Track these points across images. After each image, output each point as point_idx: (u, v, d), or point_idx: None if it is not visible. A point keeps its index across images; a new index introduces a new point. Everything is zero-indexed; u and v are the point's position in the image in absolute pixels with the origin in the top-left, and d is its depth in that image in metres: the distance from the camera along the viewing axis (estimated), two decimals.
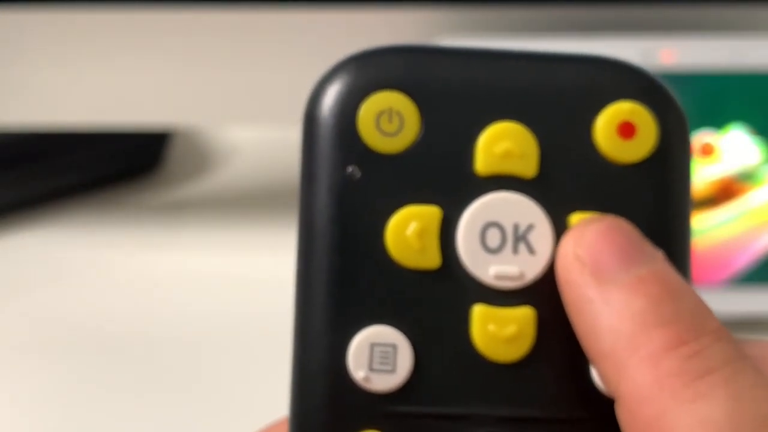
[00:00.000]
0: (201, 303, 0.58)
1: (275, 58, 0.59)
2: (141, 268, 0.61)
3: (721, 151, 0.55)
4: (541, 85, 0.27)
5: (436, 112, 0.26)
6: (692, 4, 0.56)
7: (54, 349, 0.56)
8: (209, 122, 0.68)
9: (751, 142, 0.55)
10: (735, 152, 0.55)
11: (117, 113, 0.61)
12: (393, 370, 0.26)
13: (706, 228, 0.55)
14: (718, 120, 0.55)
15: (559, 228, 0.26)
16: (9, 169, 0.65)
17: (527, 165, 0.26)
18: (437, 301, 0.26)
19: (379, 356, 0.26)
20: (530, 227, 0.26)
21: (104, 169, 0.67)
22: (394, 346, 0.26)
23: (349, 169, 0.26)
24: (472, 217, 0.26)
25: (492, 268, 0.26)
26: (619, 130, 0.26)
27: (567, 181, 0.26)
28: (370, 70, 0.26)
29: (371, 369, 0.26)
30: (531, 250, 0.26)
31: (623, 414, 0.24)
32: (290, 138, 0.68)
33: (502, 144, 0.26)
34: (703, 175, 0.54)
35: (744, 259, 0.55)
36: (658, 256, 0.25)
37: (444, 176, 0.26)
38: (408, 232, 0.26)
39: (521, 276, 0.26)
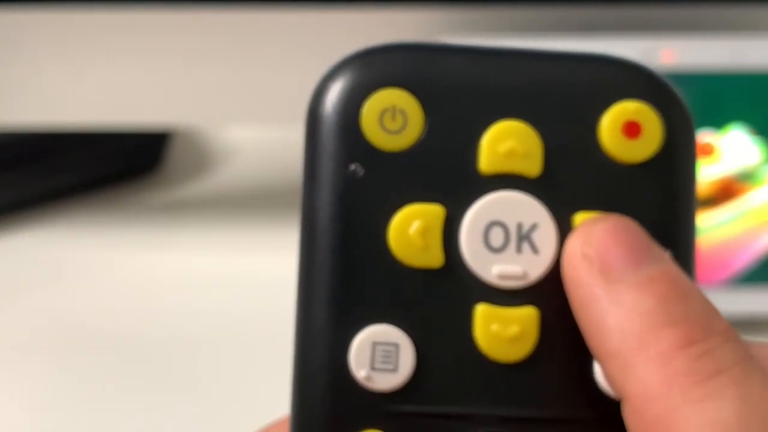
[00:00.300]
0: (201, 303, 0.58)
1: (275, 58, 0.59)
2: (141, 268, 0.61)
3: (721, 151, 0.55)
4: (545, 84, 0.26)
5: (439, 110, 0.26)
6: (692, 4, 0.56)
7: (54, 349, 0.56)
8: (209, 122, 0.68)
9: (751, 142, 0.55)
10: (735, 152, 0.55)
11: (117, 113, 0.61)
12: (395, 370, 0.26)
13: (706, 228, 0.55)
14: (718, 120, 0.55)
15: (564, 228, 0.26)
16: (9, 169, 0.65)
17: (531, 164, 0.26)
18: (440, 300, 0.26)
19: (381, 355, 0.26)
20: (534, 227, 0.26)
21: (104, 169, 0.67)
22: (396, 345, 0.26)
23: (352, 166, 0.26)
24: (475, 216, 0.26)
25: (495, 268, 0.26)
26: (624, 130, 0.26)
27: (571, 181, 0.26)
28: (374, 67, 0.26)
29: (373, 368, 0.26)
30: (535, 250, 0.26)
31: (630, 414, 0.24)
32: (290, 138, 0.68)
33: (506, 143, 0.26)
34: (703, 175, 0.54)
35: (744, 259, 0.55)
36: (665, 256, 0.25)
37: (447, 175, 0.26)
38: (411, 230, 0.26)
39: (524, 275, 0.26)
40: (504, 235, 0.26)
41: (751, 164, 0.55)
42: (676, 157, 0.27)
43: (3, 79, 0.60)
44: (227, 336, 0.56)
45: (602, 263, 0.25)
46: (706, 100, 0.54)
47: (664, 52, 0.54)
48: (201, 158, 0.70)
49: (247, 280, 0.59)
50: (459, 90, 0.26)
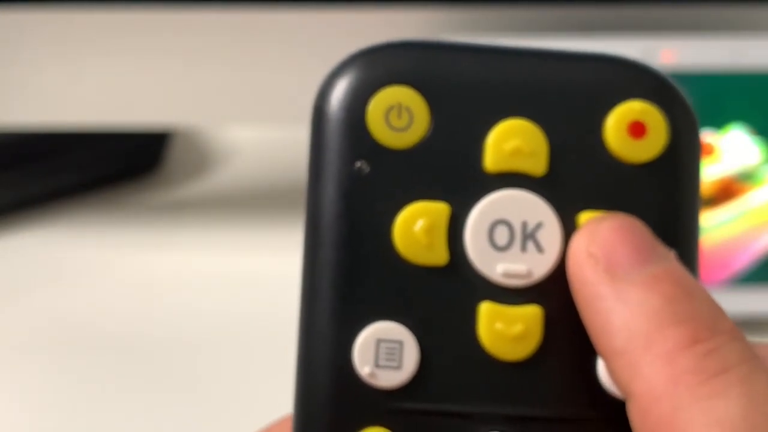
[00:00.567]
0: (201, 303, 0.58)
1: (275, 58, 0.59)
2: (141, 268, 0.61)
3: (721, 151, 0.55)
4: (551, 83, 0.26)
5: (445, 108, 0.26)
6: (692, 4, 0.57)
7: (54, 349, 0.56)
8: (209, 122, 0.68)
9: (751, 142, 0.55)
10: (735, 152, 0.55)
11: (117, 113, 0.61)
12: (399, 367, 0.26)
13: (707, 228, 0.55)
14: (718, 120, 0.55)
15: (568, 227, 0.26)
16: (9, 169, 0.65)
17: (537, 163, 0.26)
18: (444, 298, 0.26)
19: (385, 352, 0.26)
20: (539, 225, 0.26)
21: (104, 169, 0.67)
22: (400, 343, 0.26)
23: (358, 164, 0.26)
24: (480, 214, 0.26)
25: (500, 266, 0.26)
26: (629, 130, 0.26)
27: (576, 180, 0.26)
28: (380, 65, 0.26)
29: (377, 365, 0.26)
30: (539, 249, 0.26)
31: (635, 412, 0.24)
32: (290, 138, 0.68)
33: (511, 141, 0.26)
34: (703, 175, 0.54)
35: (744, 259, 0.55)
36: (670, 256, 0.25)
37: (453, 173, 0.26)
38: (416, 228, 0.26)
39: (529, 274, 0.26)
40: (509, 234, 0.26)
41: (751, 164, 0.55)
42: (681, 157, 0.27)
43: (3, 79, 0.60)
44: (227, 336, 0.56)
45: (608, 262, 0.25)
46: (706, 100, 0.54)
47: (664, 52, 0.54)
48: (201, 158, 0.70)
49: (247, 280, 0.59)
50: (465, 88, 0.26)
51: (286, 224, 0.62)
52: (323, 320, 0.26)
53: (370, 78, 0.26)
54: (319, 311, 0.26)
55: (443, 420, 0.26)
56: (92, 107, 0.61)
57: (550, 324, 0.26)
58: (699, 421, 0.23)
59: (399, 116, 0.26)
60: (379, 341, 0.26)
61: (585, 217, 0.26)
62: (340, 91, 0.26)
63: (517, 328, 0.26)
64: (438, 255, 0.26)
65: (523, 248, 0.26)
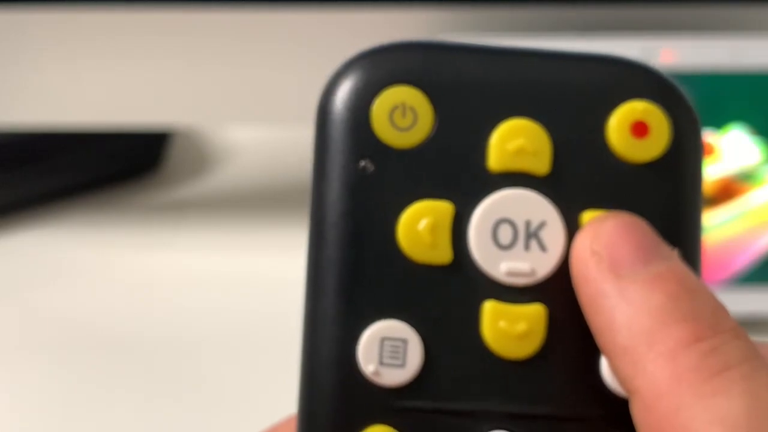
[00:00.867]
0: (201, 303, 0.58)
1: (275, 58, 0.59)
2: (141, 268, 0.61)
3: (721, 151, 0.55)
4: (554, 83, 0.27)
5: (449, 107, 0.26)
6: (692, 4, 0.57)
7: (54, 349, 0.56)
8: (209, 122, 0.68)
9: (751, 142, 0.55)
10: (735, 152, 0.55)
11: (117, 113, 0.61)
12: (403, 365, 0.26)
13: (707, 228, 0.55)
14: (718, 120, 0.55)
15: (571, 226, 0.26)
16: (9, 169, 0.65)
17: (540, 162, 0.26)
18: (448, 296, 0.26)
19: (389, 351, 0.26)
20: (542, 224, 0.26)
21: (104, 169, 0.67)
22: (404, 341, 0.26)
23: (362, 163, 0.26)
24: (484, 213, 0.26)
25: (503, 265, 0.26)
26: (632, 129, 0.26)
27: (579, 179, 0.26)
28: (385, 64, 0.26)
29: (381, 363, 0.26)
30: (543, 247, 0.26)
31: (638, 409, 0.24)
32: (290, 138, 0.68)
33: (515, 141, 0.26)
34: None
35: (744, 259, 0.55)
36: (673, 254, 0.25)
37: (457, 172, 0.26)
38: (420, 227, 0.26)
39: (532, 273, 0.26)
40: (512, 233, 0.26)
41: (751, 164, 0.55)
42: (684, 157, 0.27)
43: (3, 79, 0.60)
44: (227, 336, 0.56)
45: (611, 260, 0.25)
46: (706, 100, 0.54)
47: (664, 52, 0.54)
48: (201, 158, 0.70)
49: (247, 280, 0.59)
50: (469, 88, 0.26)
51: (286, 224, 0.62)
52: (327, 319, 0.26)
53: (374, 78, 0.26)
54: (323, 310, 0.26)
55: (447, 418, 0.26)
56: (92, 107, 0.61)
57: (553, 322, 0.26)
58: (701, 418, 0.23)
59: (403, 116, 0.26)
60: (383, 339, 0.26)
61: (588, 216, 0.26)
62: (344, 91, 0.26)
63: (521, 326, 0.26)
64: (442, 254, 0.26)
65: (527, 247, 0.26)
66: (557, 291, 0.26)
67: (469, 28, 0.57)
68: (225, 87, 0.60)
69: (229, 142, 0.71)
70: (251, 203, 0.66)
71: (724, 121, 0.55)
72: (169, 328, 0.57)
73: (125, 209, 0.65)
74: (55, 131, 0.63)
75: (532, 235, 0.26)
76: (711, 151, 0.55)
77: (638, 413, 0.24)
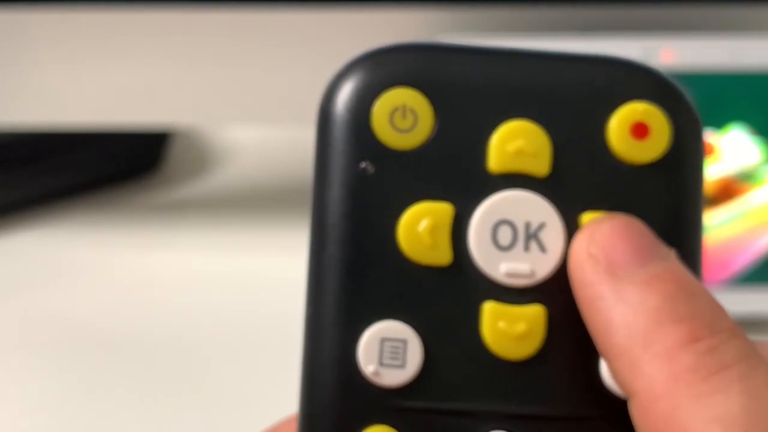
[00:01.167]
0: (201, 303, 0.58)
1: (275, 58, 0.59)
2: (141, 268, 0.61)
3: (721, 151, 0.55)
4: (554, 85, 0.27)
5: (449, 109, 0.26)
6: (692, 4, 0.57)
7: (54, 349, 0.56)
8: (209, 122, 0.68)
9: (751, 142, 0.55)
10: (735, 152, 0.55)
11: (117, 113, 0.61)
12: (403, 366, 0.26)
13: (707, 228, 0.55)
14: (718, 120, 0.55)
15: (571, 227, 0.26)
16: (9, 169, 0.65)
17: (540, 164, 0.26)
18: (448, 297, 0.26)
19: (389, 351, 0.26)
20: (542, 226, 0.26)
21: (104, 169, 0.67)
22: (404, 342, 0.26)
23: (363, 164, 0.26)
24: (484, 214, 0.26)
25: (503, 266, 0.26)
26: (632, 131, 0.26)
27: (579, 181, 0.26)
28: (385, 67, 0.27)
29: (381, 364, 0.26)
30: (542, 249, 0.26)
31: (637, 410, 0.24)
32: (290, 138, 0.68)
33: (515, 142, 0.26)
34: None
35: (744, 259, 0.55)
36: (671, 255, 0.25)
37: (457, 173, 0.26)
38: (420, 228, 0.26)
39: (532, 274, 0.26)
40: (512, 234, 0.26)
41: (751, 164, 0.55)
42: (684, 158, 0.27)
43: (3, 79, 0.60)
44: (227, 336, 0.56)
45: (608, 262, 0.25)
46: (706, 100, 0.54)
47: (664, 52, 0.54)
48: (201, 158, 0.70)
49: (247, 280, 0.59)
50: (469, 90, 0.27)
51: (286, 224, 0.62)
52: (328, 319, 0.26)
53: (374, 80, 0.26)
54: (323, 310, 0.26)
55: (447, 418, 0.26)
56: (92, 107, 0.61)
57: (552, 323, 0.26)
58: (699, 418, 0.23)
59: (404, 118, 0.26)
60: (383, 340, 0.26)
61: (588, 217, 0.26)
62: (345, 93, 0.27)
63: (520, 327, 0.26)
64: (442, 255, 0.26)
65: (526, 248, 0.26)
66: (557, 292, 0.26)
67: (469, 28, 0.57)
68: (225, 87, 0.60)
69: (229, 142, 0.71)
70: (251, 203, 0.66)
71: (724, 121, 0.55)
72: (169, 328, 0.57)
73: (125, 209, 0.65)
74: (55, 131, 0.63)
75: (532, 236, 0.26)
76: (711, 151, 0.55)
77: (637, 414, 0.24)
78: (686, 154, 0.27)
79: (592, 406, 0.26)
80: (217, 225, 0.64)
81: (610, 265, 0.25)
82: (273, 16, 0.57)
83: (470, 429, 0.26)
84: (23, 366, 0.55)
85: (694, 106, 0.27)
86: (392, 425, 0.26)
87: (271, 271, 0.59)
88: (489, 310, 0.26)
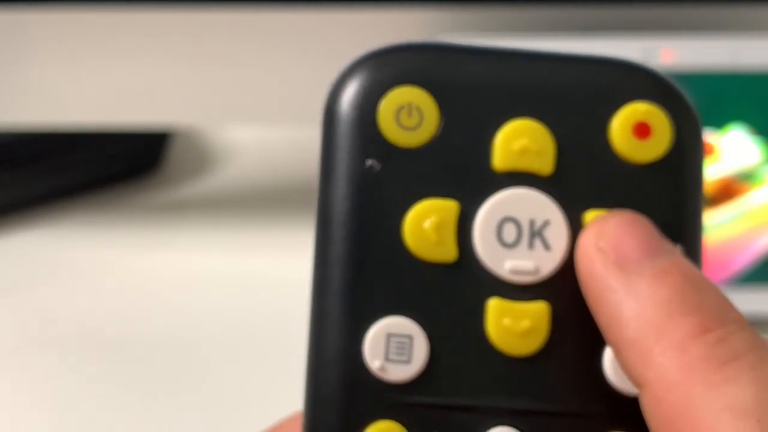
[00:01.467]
0: (201, 303, 0.58)
1: (275, 58, 0.59)
2: (141, 268, 0.61)
3: (721, 151, 0.55)
4: (558, 85, 0.27)
5: (455, 108, 0.27)
6: (692, 4, 0.57)
7: (54, 349, 0.56)
8: (209, 122, 0.68)
9: (751, 142, 0.55)
10: (735, 152, 0.55)
11: (117, 113, 0.61)
12: (408, 361, 0.26)
13: (707, 228, 0.55)
14: (718, 120, 0.55)
15: (574, 225, 0.26)
16: (9, 169, 0.65)
17: (544, 162, 0.27)
18: (453, 293, 0.26)
19: (395, 347, 0.26)
20: (546, 223, 0.26)
21: (104, 169, 0.67)
22: (409, 337, 0.26)
23: (369, 162, 0.27)
24: (488, 211, 0.26)
25: (507, 263, 0.26)
26: (634, 130, 0.27)
27: (583, 179, 0.27)
28: (391, 65, 0.27)
29: (387, 359, 0.26)
30: (546, 246, 0.26)
31: (649, 401, 0.24)
32: (291, 138, 0.68)
33: (519, 141, 0.27)
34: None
35: (744, 259, 0.55)
36: (676, 250, 0.26)
37: (462, 171, 0.27)
38: (425, 225, 0.26)
39: (536, 271, 0.26)
40: (516, 231, 0.26)
41: (751, 164, 0.55)
42: (685, 157, 0.27)
43: (3, 79, 0.60)
44: (228, 336, 0.56)
45: (617, 256, 0.25)
46: (706, 100, 0.54)
47: (664, 52, 0.54)
48: (201, 158, 0.70)
49: (247, 280, 0.59)
50: (474, 89, 0.27)
51: (286, 224, 0.62)
52: (334, 315, 0.26)
53: (380, 78, 0.27)
54: (329, 306, 0.26)
55: (452, 414, 0.26)
56: (92, 107, 0.61)
57: (556, 320, 0.26)
58: (712, 406, 0.23)
59: (409, 116, 0.27)
60: (389, 336, 0.26)
61: (591, 215, 0.27)
62: (351, 91, 0.27)
63: (525, 323, 0.26)
64: (447, 252, 0.26)
65: (531, 245, 0.26)
66: (561, 289, 0.26)
67: (469, 28, 0.57)
68: (225, 87, 0.60)
69: (229, 142, 0.71)
70: (251, 203, 0.66)
71: (724, 121, 0.55)
72: (168, 328, 0.57)
73: (125, 209, 0.65)
74: (55, 131, 0.63)
75: (536, 233, 0.26)
76: (711, 151, 0.55)
77: (648, 405, 0.24)
78: (687, 153, 0.27)
79: (595, 402, 0.26)
80: (217, 225, 0.64)
81: (619, 259, 0.25)
82: (273, 16, 0.57)
83: (475, 424, 0.26)
84: (23, 366, 0.55)
85: (693, 106, 0.27)
86: (398, 420, 0.26)
87: (272, 271, 0.59)
88: (494, 306, 0.26)
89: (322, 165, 0.27)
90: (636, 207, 0.26)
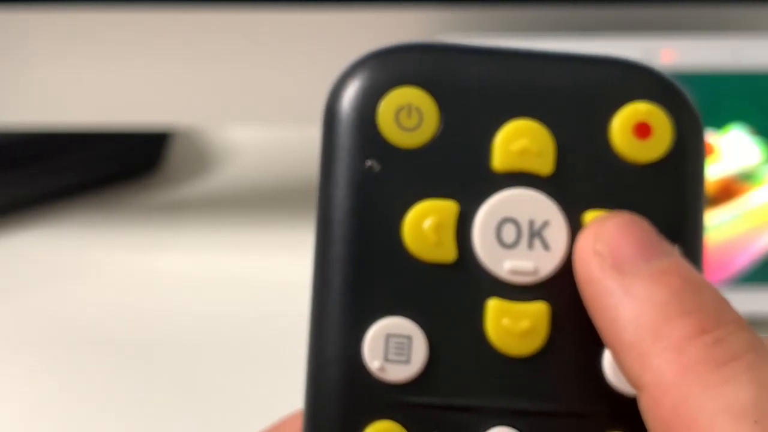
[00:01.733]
0: (201, 303, 0.58)
1: (275, 58, 0.59)
2: (141, 268, 0.61)
3: (721, 151, 0.55)
4: (558, 84, 0.27)
5: (455, 108, 0.27)
6: (692, 4, 0.57)
7: (53, 349, 0.56)
8: (209, 122, 0.68)
9: (751, 142, 0.55)
10: (735, 152, 0.55)
11: (117, 113, 0.61)
12: (408, 361, 0.26)
13: (707, 228, 0.55)
14: (718, 120, 0.55)
15: (574, 225, 0.26)
16: (9, 169, 0.65)
17: (544, 162, 0.27)
18: (452, 294, 0.26)
19: (394, 347, 0.26)
20: (545, 224, 0.26)
21: (104, 169, 0.67)
22: (409, 338, 0.26)
23: (369, 162, 0.27)
24: (488, 212, 0.26)
25: (507, 263, 0.26)
26: (634, 131, 0.27)
27: (582, 180, 0.27)
28: (391, 66, 0.27)
29: (386, 359, 0.26)
30: (546, 246, 0.26)
31: (647, 403, 0.24)
32: (290, 138, 0.68)
33: (519, 141, 0.26)
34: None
35: (744, 259, 0.55)
36: (674, 251, 0.26)
37: (461, 172, 0.27)
38: (425, 225, 0.26)
39: (536, 271, 0.26)
40: (516, 232, 0.26)
41: (751, 164, 0.55)
42: (686, 157, 0.27)
43: (3, 79, 0.60)
44: (228, 336, 0.56)
45: (614, 258, 0.25)
46: (706, 100, 0.54)
47: (664, 52, 0.54)
48: (201, 158, 0.70)
49: (247, 280, 0.59)
50: (474, 89, 0.27)
51: (286, 224, 0.62)
52: (333, 315, 0.26)
53: (380, 79, 0.27)
54: (329, 307, 0.26)
55: (451, 414, 0.26)
56: (92, 107, 0.61)
57: (556, 320, 0.26)
58: (710, 408, 0.23)
59: (409, 116, 0.27)
60: (388, 336, 0.26)
61: (591, 216, 0.26)
62: (351, 91, 0.27)
63: (524, 324, 0.26)
64: (446, 252, 0.26)
65: (530, 246, 0.26)
66: (560, 289, 0.26)
67: (469, 28, 0.57)
68: (225, 87, 0.60)
69: (229, 142, 0.71)
70: (251, 203, 0.66)
71: (724, 121, 0.55)
72: (168, 328, 0.57)
73: (125, 209, 0.65)
74: (55, 131, 0.63)
75: (536, 234, 0.26)
76: (711, 151, 0.55)
77: (647, 407, 0.24)
78: (688, 153, 0.27)
79: (595, 403, 0.26)
80: (218, 225, 0.64)
81: (616, 261, 0.25)
82: (273, 16, 0.57)
83: (474, 425, 0.26)
84: (23, 366, 0.55)
85: (695, 106, 0.27)
86: (397, 420, 0.26)
87: (272, 271, 0.59)
88: (493, 307, 0.26)
89: (321, 165, 0.27)
90: (636, 207, 0.26)
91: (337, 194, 0.27)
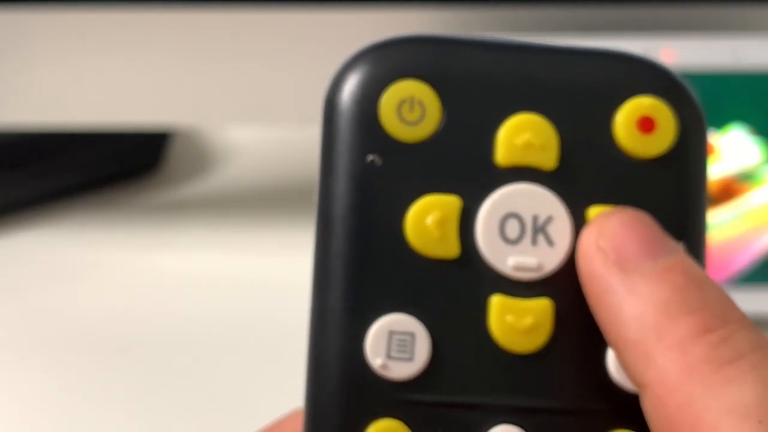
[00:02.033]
0: (201, 303, 0.58)
1: (275, 58, 0.59)
2: (141, 269, 0.61)
3: (721, 151, 0.55)
4: (562, 78, 0.27)
5: (457, 102, 0.26)
6: (692, 4, 0.57)
7: (54, 349, 0.56)
8: (209, 122, 0.68)
9: (751, 142, 0.55)
10: (735, 152, 0.55)
11: (117, 113, 0.61)
12: (410, 359, 0.26)
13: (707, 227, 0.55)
14: (718, 120, 0.55)
15: (578, 220, 0.26)
16: (9, 169, 0.65)
17: (547, 157, 0.26)
18: (456, 290, 0.26)
19: (396, 344, 0.26)
20: (549, 219, 0.26)
21: (104, 169, 0.67)
22: (412, 335, 0.26)
23: (370, 157, 0.26)
24: (491, 207, 0.26)
25: (510, 259, 0.26)
26: (638, 125, 0.26)
27: (586, 174, 0.26)
28: (392, 58, 0.26)
29: (389, 357, 0.26)
30: (550, 242, 0.26)
31: (650, 402, 0.24)
32: (291, 138, 0.68)
33: (522, 135, 0.26)
34: None
35: (744, 259, 0.55)
36: (679, 248, 0.25)
37: (464, 166, 0.26)
38: (428, 221, 0.26)
39: (540, 267, 0.26)
40: (519, 227, 0.26)
41: (751, 164, 0.55)
42: (689, 152, 0.27)
43: (3, 79, 0.60)
44: (228, 336, 0.56)
45: (617, 255, 0.25)
46: (706, 100, 0.54)
47: (664, 52, 0.54)
48: (201, 158, 0.70)
49: (247, 280, 0.59)
50: (476, 82, 0.27)
51: (286, 224, 0.62)
52: (335, 313, 0.26)
53: (382, 72, 0.26)
54: (330, 304, 0.26)
55: (454, 411, 0.26)
56: (92, 107, 0.61)
57: (560, 317, 0.26)
58: (714, 408, 0.23)
59: (411, 110, 0.26)
60: (391, 333, 0.26)
61: (595, 211, 0.26)
62: (352, 84, 0.26)
63: (528, 320, 0.26)
64: (449, 248, 0.26)
65: (534, 242, 0.26)
66: (564, 285, 0.26)
67: (469, 28, 0.57)
68: (225, 87, 0.60)
69: (229, 142, 0.71)
70: (251, 203, 0.66)
71: (724, 121, 0.55)
72: (169, 329, 0.57)
73: (125, 209, 0.65)
74: (55, 131, 0.63)
75: (540, 229, 0.26)
76: (711, 151, 0.55)
77: (650, 406, 0.24)
78: (691, 148, 0.27)
79: (598, 399, 0.26)
80: (217, 225, 0.64)
81: (619, 259, 0.25)
82: (273, 16, 0.57)
83: (478, 422, 0.26)
84: (23, 366, 0.55)
85: (698, 101, 0.27)
86: (400, 418, 0.26)
87: (272, 271, 0.59)
88: (496, 303, 0.26)
89: (322, 160, 0.27)
90: (640, 202, 0.26)
91: (337, 189, 0.26)
